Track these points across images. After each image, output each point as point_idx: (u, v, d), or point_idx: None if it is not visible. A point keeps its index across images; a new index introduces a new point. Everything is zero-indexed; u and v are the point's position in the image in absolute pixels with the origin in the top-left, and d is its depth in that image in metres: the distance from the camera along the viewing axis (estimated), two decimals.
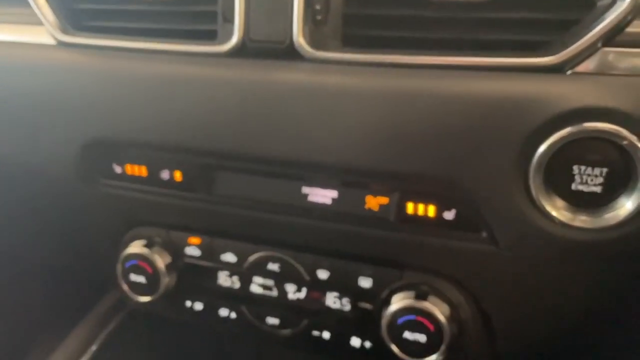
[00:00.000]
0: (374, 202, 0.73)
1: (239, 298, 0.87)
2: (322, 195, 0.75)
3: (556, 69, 0.61)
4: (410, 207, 0.71)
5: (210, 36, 0.75)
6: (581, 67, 0.61)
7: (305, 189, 0.76)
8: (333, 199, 0.75)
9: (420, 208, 0.71)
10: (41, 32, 0.83)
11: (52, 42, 0.83)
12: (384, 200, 0.73)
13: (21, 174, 0.90)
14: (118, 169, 0.84)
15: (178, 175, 0.81)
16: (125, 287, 0.89)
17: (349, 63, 0.69)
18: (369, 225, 0.74)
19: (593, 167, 0.60)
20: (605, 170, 0.60)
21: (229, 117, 0.72)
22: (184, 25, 0.78)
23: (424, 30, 0.67)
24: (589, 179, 0.61)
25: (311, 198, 0.76)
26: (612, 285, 0.71)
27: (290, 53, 0.70)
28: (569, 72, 0.61)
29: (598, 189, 0.61)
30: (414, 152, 0.66)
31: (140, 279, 0.87)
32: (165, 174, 0.82)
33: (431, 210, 0.70)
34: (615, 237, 0.62)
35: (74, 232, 0.97)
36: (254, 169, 0.77)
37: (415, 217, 0.71)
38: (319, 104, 0.68)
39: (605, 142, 0.59)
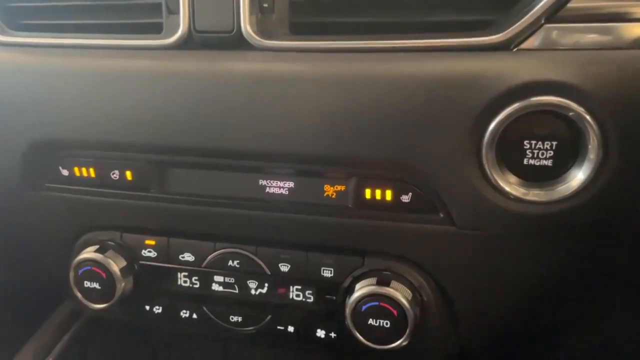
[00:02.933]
0: (331, 190, 0.73)
1: (200, 298, 0.85)
2: (280, 187, 0.74)
3: (502, 47, 0.62)
4: (367, 193, 0.71)
5: (154, 29, 0.73)
6: (526, 44, 0.62)
7: (262, 181, 0.75)
8: (290, 190, 0.74)
9: (378, 193, 0.70)
10: None
11: None
12: (341, 187, 0.72)
13: None
14: (65, 172, 0.81)
15: (129, 175, 0.79)
16: (79, 295, 0.85)
17: (298, 50, 0.68)
18: (327, 213, 0.73)
19: (543, 141, 0.61)
20: (554, 143, 0.61)
21: (179, 110, 0.70)
22: (126, 19, 0.75)
23: (371, 14, 0.67)
24: (539, 153, 0.62)
25: (269, 190, 0.75)
26: (569, 260, 0.72)
27: (238, 43, 0.69)
28: (514, 49, 0.62)
29: (549, 162, 0.62)
30: (367, 137, 0.65)
31: (94, 285, 0.84)
32: (115, 174, 0.79)
33: (388, 194, 0.70)
34: (570, 208, 0.63)
35: (22, 242, 0.92)
36: (207, 164, 0.75)
37: (373, 202, 0.71)
38: (269, 92, 0.67)
39: (553, 115, 0.60)
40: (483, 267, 0.73)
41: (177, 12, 0.70)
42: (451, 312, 0.78)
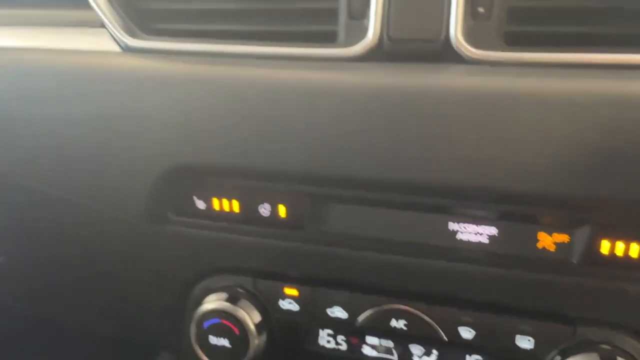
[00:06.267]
0: (549, 241, 0.58)
1: None
2: (477, 233, 0.60)
3: None
4: (605, 246, 0.56)
5: (314, 38, 0.61)
6: None
7: (453, 225, 0.61)
8: (491, 237, 0.60)
9: (619, 247, 0.55)
10: (100, 36, 0.68)
11: (115, 48, 0.67)
12: (564, 237, 0.57)
13: (73, 216, 0.72)
14: (200, 204, 0.67)
15: (282, 210, 0.65)
16: (200, 353, 0.71)
17: (519, 64, 0.55)
18: (539, 270, 0.58)
19: None
20: None
21: (359, 134, 0.57)
22: (284, 25, 0.63)
23: (595, 23, 0.54)
24: None
25: (461, 236, 0.60)
26: None
27: (442, 54, 0.56)
28: None
29: None
30: (617, 171, 0.51)
31: (223, 342, 0.69)
32: (264, 209, 0.65)
33: (635, 250, 0.55)
34: None
35: (130, 286, 0.78)
36: (384, 200, 0.61)
37: (610, 259, 0.56)
38: (479, 113, 0.54)
39: None
40: None
41: (360, 18, 0.59)
42: None
